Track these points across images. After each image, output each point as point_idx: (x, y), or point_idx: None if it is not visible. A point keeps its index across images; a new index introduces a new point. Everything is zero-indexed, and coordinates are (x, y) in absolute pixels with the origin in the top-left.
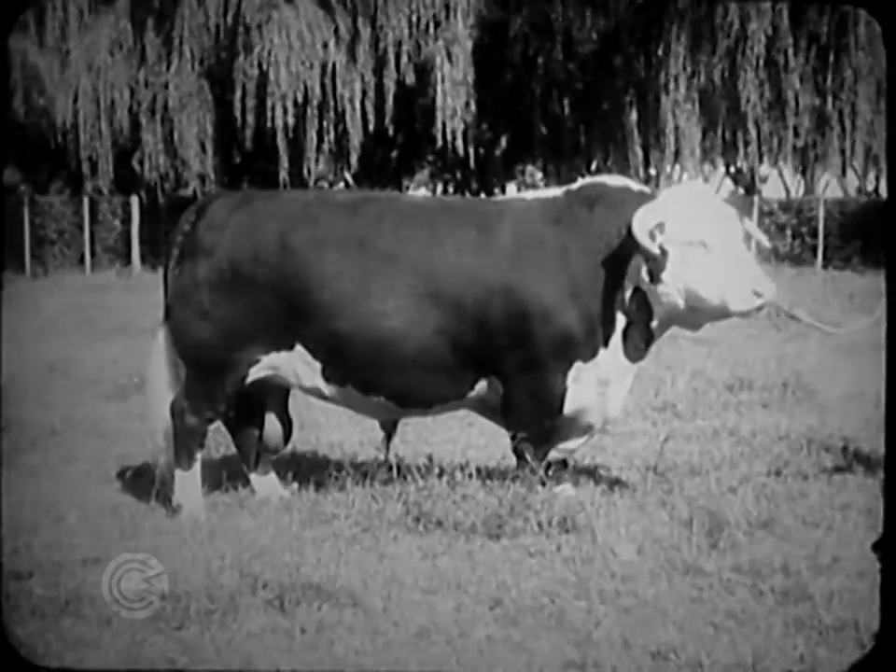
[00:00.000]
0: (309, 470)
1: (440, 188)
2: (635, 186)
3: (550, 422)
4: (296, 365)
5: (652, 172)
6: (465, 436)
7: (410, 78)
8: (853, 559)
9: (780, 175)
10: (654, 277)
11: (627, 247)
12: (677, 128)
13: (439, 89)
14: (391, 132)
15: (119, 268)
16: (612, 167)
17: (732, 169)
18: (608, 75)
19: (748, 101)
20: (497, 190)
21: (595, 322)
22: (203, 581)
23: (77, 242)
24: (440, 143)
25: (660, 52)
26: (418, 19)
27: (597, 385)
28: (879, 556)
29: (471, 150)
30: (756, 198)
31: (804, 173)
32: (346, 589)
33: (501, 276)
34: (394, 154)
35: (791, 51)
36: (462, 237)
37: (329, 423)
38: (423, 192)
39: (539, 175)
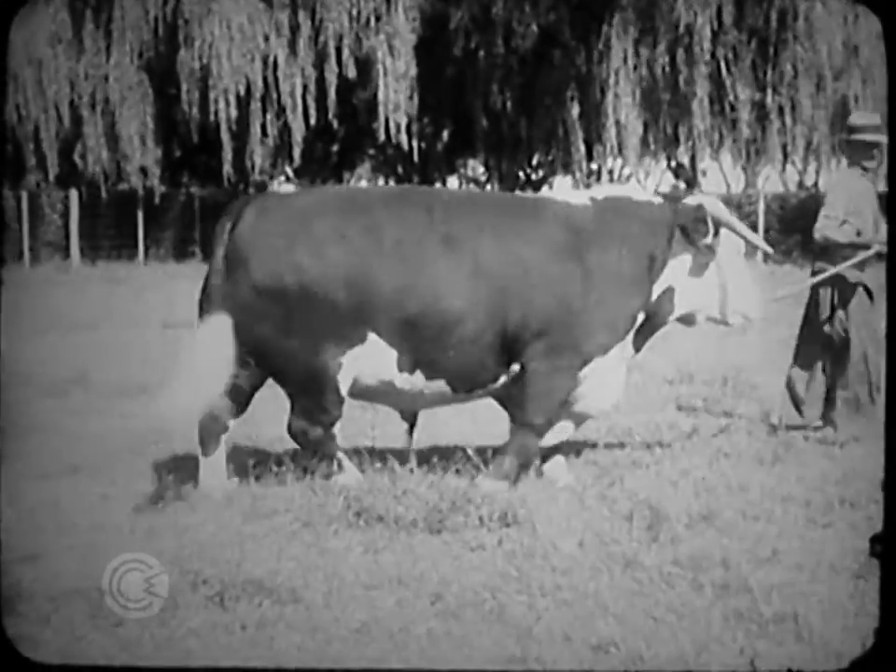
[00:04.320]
0: (249, 465)
1: (381, 181)
2: (655, 199)
3: (554, 414)
4: (372, 357)
5: (594, 166)
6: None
7: (351, 72)
8: (792, 551)
9: (721, 169)
10: (698, 272)
11: (664, 251)
12: (618, 122)
13: (381, 83)
14: (335, 125)
15: (57, 262)
16: (555, 162)
17: (673, 163)
18: (549, 69)
19: (689, 95)
20: (438, 185)
21: (621, 320)
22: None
23: (15, 236)
24: (381, 137)
25: (601, 46)
26: (359, 12)
27: (599, 376)
28: (877, 551)
29: (413, 144)
30: (697, 192)
31: (744, 167)
32: (287, 585)
33: (547, 269)
34: (335, 148)
35: (732, 45)
36: (511, 228)
37: (268, 417)
38: (364, 185)
39: (481, 169)
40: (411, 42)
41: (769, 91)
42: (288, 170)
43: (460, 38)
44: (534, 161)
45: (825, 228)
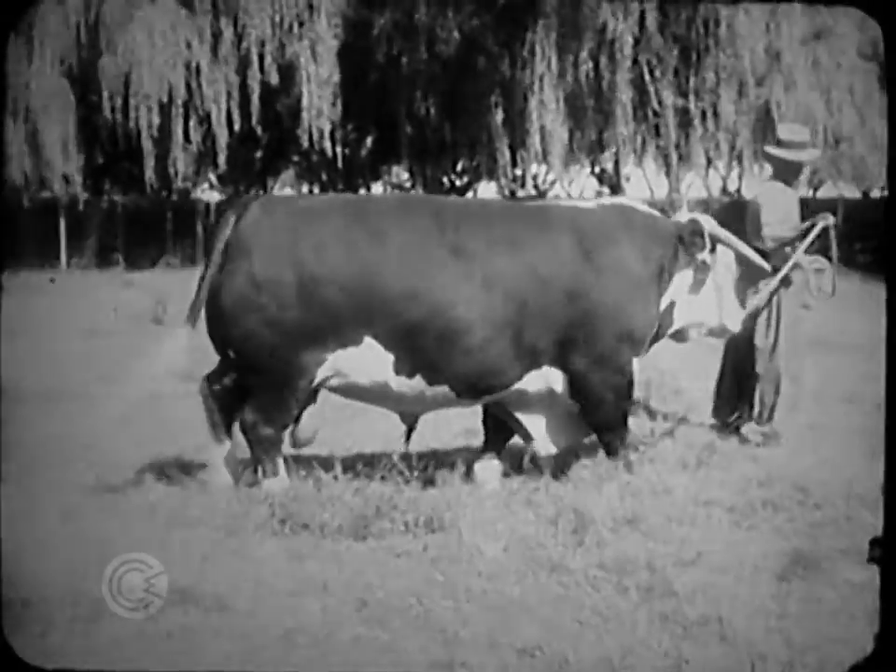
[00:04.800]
0: (174, 473)
1: (305, 188)
2: (656, 211)
3: (628, 406)
4: (365, 359)
5: (519, 172)
6: (332, 438)
7: (274, 79)
8: (716, 554)
9: (644, 174)
10: (696, 289)
11: (671, 263)
12: (543, 128)
13: (304, 89)
14: (258, 132)
15: None
16: (479, 167)
17: (597, 169)
18: (472, 75)
19: (612, 101)
20: (362, 191)
21: (648, 324)
22: (68, 586)
23: None
24: (305, 143)
25: (525, 53)
26: (281, 18)
27: None
28: (876, 555)
29: (337, 151)
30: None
31: (667, 173)
32: (212, 592)
33: (562, 277)
34: (259, 154)
35: (655, 51)
36: (524, 236)
37: (193, 425)
38: (289, 192)
39: (406, 175)
40: (334, 48)
41: (692, 98)
42: (212, 177)
43: (383, 44)
44: (458, 167)
45: (773, 230)
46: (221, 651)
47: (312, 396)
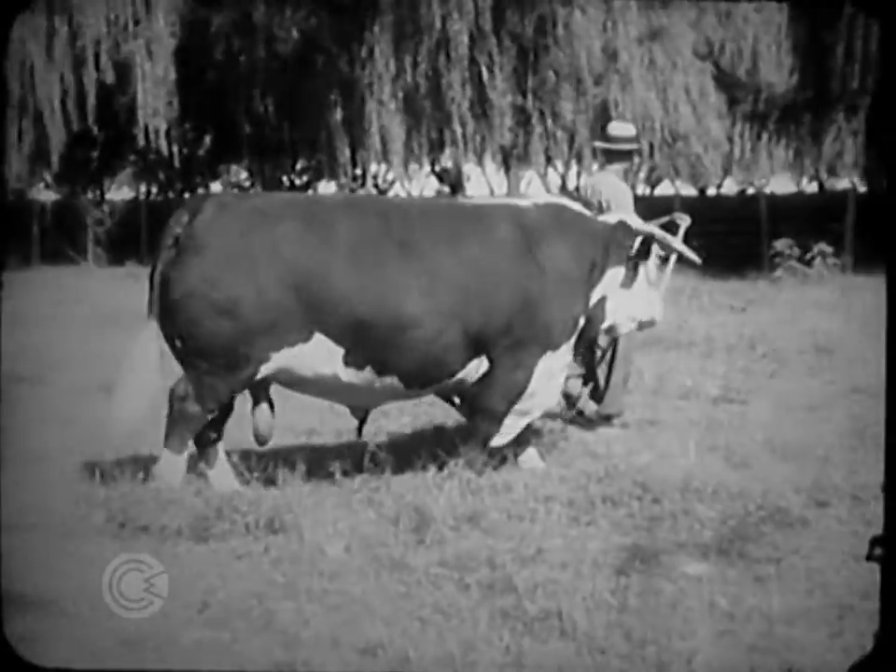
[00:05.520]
0: (10, 475)
1: (143, 188)
2: (587, 211)
3: (515, 402)
4: (314, 355)
5: (358, 171)
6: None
7: (110, 77)
8: (556, 550)
9: (484, 173)
10: (628, 285)
11: (603, 259)
12: (382, 127)
13: (140, 87)
14: (94, 131)
15: None
16: (320, 166)
17: (437, 168)
18: (311, 74)
19: (451, 100)
20: (201, 190)
21: (570, 319)
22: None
23: None
24: (141, 142)
25: (363, 52)
26: (116, 16)
27: (549, 374)
28: (877, 554)
29: (175, 150)
30: (461, 197)
31: (507, 171)
32: (51, 598)
33: (507, 269)
34: (95, 154)
35: (492, 51)
36: (466, 231)
37: (25, 427)
38: (127, 192)
39: (244, 174)
40: (170, 46)
41: (530, 97)
42: (47, 176)
43: (221, 43)
44: (298, 166)
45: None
46: (60, 656)
47: (265, 392)
